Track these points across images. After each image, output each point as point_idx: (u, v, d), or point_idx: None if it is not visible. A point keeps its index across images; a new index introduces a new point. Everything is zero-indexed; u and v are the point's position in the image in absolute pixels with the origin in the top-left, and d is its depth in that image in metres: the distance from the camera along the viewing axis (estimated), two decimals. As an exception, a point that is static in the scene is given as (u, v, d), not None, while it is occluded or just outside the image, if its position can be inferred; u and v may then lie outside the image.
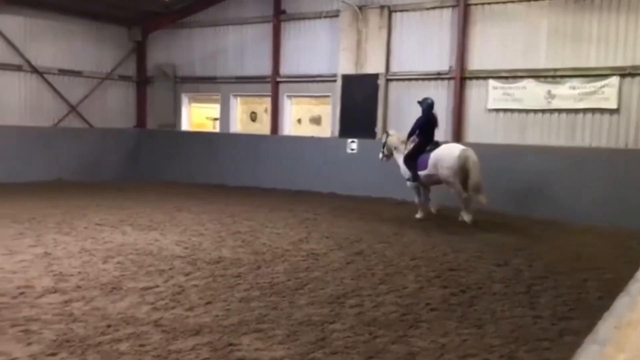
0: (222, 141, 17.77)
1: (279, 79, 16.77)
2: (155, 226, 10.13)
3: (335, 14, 15.56)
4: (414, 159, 11.44)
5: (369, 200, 14.40)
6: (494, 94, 13.63)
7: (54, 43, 17.06)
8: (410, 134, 11.65)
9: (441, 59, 14.31)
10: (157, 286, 6.47)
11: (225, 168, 17.41)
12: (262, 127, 17.55)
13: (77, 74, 17.64)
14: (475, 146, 13.67)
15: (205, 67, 18.22)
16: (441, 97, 14.37)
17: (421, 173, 11.35)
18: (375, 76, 14.94)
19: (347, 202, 14.08)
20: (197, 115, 19.70)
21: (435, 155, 11.18)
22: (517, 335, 5.31)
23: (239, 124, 18.23)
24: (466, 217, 11.05)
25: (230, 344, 4.82)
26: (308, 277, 7.08)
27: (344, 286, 6.73)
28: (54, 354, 4.47)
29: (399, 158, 11.96)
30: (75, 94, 17.56)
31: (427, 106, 11.52)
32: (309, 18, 16.16)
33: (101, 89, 18.27)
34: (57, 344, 4.67)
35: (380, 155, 12.50)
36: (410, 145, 11.64)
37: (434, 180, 11.35)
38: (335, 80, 15.58)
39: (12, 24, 16.04)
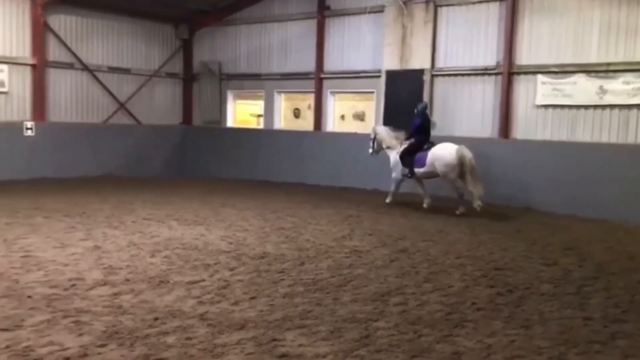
0: (265, 137, 17.90)
1: (322, 75, 16.77)
2: (201, 221, 10.28)
3: (379, 10, 15.43)
4: (411, 156, 12.54)
5: (413, 196, 14.24)
6: (543, 89, 13.28)
7: (104, 41, 17.49)
8: (411, 136, 12.72)
9: (488, 54, 14.03)
10: (203, 280, 6.56)
11: (269, 164, 17.53)
12: (306, 123, 17.59)
13: (126, 71, 18.04)
14: (523, 143, 13.46)
15: (250, 64, 18.38)
16: (488, 93, 14.13)
17: (419, 170, 12.45)
18: (420, 72, 14.78)
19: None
20: (241, 112, 19.89)
21: (433, 154, 12.21)
22: (566, 337, 5.17)
23: (282, 121, 18.33)
24: (478, 202, 11.85)
25: (275, 339, 4.85)
26: (351, 274, 7.06)
27: (387, 284, 6.69)
28: (103, 345, 4.58)
29: (392, 153, 13.07)
30: (124, 91, 17.98)
31: (422, 109, 12.89)
32: (353, 14, 16.08)
33: (149, 86, 18.64)
34: (107, 335, 4.79)
35: (370, 151, 13.57)
36: (406, 143, 12.72)
37: (430, 175, 12.43)
38: (379, 76, 15.48)
39: (65, 23, 16.52)
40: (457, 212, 11.91)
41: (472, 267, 7.60)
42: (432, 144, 12.46)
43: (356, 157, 15.77)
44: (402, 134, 13.05)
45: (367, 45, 15.89)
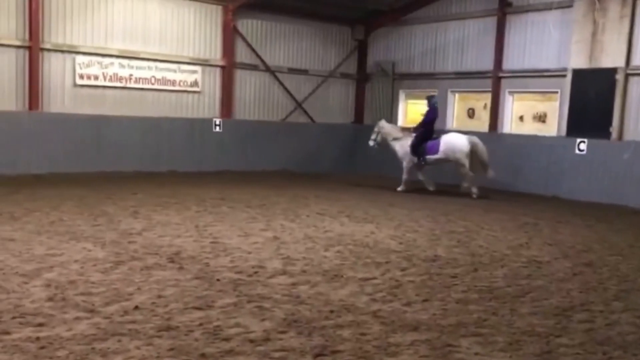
0: (437, 138, 17.60)
1: (501, 74, 16.10)
2: (370, 219, 10.40)
3: (568, 5, 14.42)
4: (422, 144, 13.98)
5: (597, 206, 13.17)
6: None
7: (285, 43, 18.44)
8: (422, 126, 14.15)
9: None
10: (375, 278, 6.62)
11: (439, 165, 17.17)
12: (480, 124, 17.03)
13: (304, 72, 18.85)
14: None
15: (424, 63, 18.22)
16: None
17: (432, 157, 13.92)
18: (612, 70, 13.55)
19: (573, 207, 13.02)
20: (412, 112, 19.78)
21: (445, 142, 13.76)
22: None
23: (455, 121, 17.91)
24: (474, 189, 13.80)
25: (449, 345, 4.73)
26: (530, 285, 6.67)
27: (570, 299, 6.21)
28: (284, 332, 4.80)
29: (397, 144, 14.48)
30: (301, 91, 18.82)
31: (435, 102, 14.46)
32: (538, 10, 15.22)
33: (324, 86, 19.31)
34: (287, 323, 5.02)
35: (372, 143, 14.94)
36: (413, 135, 14.21)
37: (441, 162, 13.98)
38: (564, 75, 14.47)
39: (251, 26, 17.69)
40: (463, 190, 13.87)
41: (671, 289, 6.79)
42: (438, 135, 14.07)
43: (534, 161, 14.95)
44: (403, 128, 15.13)
45: (551, 43, 14.96)
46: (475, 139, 13.76)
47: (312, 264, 7.04)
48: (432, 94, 15.18)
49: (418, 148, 14.05)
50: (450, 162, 14.00)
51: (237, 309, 5.31)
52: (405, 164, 14.42)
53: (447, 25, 17.49)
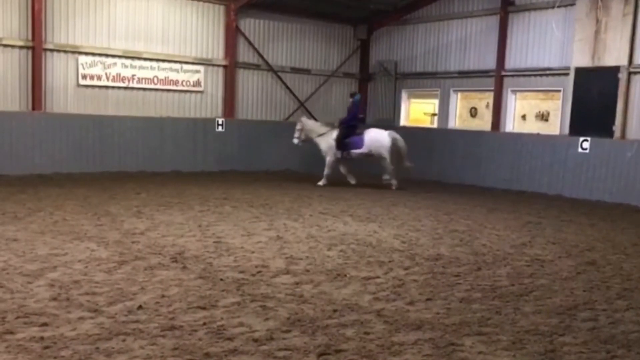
0: (439, 137, 17.61)
1: (503, 73, 16.09)
2: (373, 218, 10.40)
3: (570, 3, 14.40)
4: (345, 139, 14.50)
5: (601, 205, 13.16)
6: None
7: (288, 43, 18.45)
8: (347, 121, 14.71)
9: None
10: (378, 277, 6.62)
11: (442, 164, 17.22)
12: (483, 123, 17.01)
13: (306, 71, 18.87)
14: None
15: (426, 62, 18.22)
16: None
17: (356, 151, 14.48)
18: (615, 69, 13.53)
19: (576, 206, 13.01)
20: (415, 111, 19.79)
21: (369, 138, 14.39)
22: None
23: (457, 120, 17.91)
24: (393, 181, 14.57)
25: (452, 344, 4.73)
26: (533, 284, 6.67)
27: (574, 297, 6.21)
28: (287, 331, 4.81)
29: (322, 140, 14.75)
30: (303, 91, 18.83)
31: (359, 98, 15.47)
32: (540, 8, 15.20)
33: (326, 86, 19.32)
34: (290, 322, 5.02)
35: (296, 141, 15.05)
36: (336, 130, 14.65)
37: (365, 156, 14.53)
38: (567, 74, 14.46)
39: (253, 26, 17.71)
40: (393, 183, 14.50)
41: (675, 287, 6.78)
42: (362, 130, 14.57)
43: (538, 159, 14.95)
44: (328, 124, 15.18)
45: (553, 42, 14.95)
46: (395, 134, 14.46)
47: (315, 264, 7.04)
48: (355, 91, 16.46)
49: (342, 142, 14.53)
50: (372, 157, 14.54)
51: (241, 308, 5.32)
52: (328, 158, 14.78)
53: (450, 24, 17.48)
